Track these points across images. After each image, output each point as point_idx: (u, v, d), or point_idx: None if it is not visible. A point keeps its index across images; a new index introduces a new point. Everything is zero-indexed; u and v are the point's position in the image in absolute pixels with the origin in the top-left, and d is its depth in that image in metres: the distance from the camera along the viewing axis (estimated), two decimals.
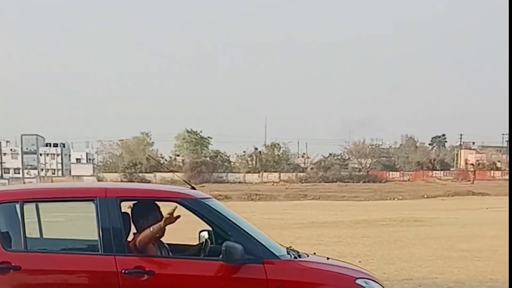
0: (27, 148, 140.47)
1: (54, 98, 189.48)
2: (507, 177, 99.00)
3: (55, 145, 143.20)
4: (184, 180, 8.46)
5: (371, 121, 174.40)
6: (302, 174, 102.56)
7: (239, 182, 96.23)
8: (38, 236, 7.00)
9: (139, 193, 7.10)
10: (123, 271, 6.11)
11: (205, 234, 7.34)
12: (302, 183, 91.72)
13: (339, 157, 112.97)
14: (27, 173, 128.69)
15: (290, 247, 7.08)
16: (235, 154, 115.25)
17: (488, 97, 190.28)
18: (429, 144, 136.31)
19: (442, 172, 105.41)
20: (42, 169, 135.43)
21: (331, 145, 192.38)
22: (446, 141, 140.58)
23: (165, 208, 6.54)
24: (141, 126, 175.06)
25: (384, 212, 32.24)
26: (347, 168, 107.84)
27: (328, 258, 7.28)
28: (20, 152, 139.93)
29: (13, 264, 6.06)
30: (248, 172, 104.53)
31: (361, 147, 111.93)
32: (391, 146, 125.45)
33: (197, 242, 7.49)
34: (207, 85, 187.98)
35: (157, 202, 6.79)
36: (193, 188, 7.19)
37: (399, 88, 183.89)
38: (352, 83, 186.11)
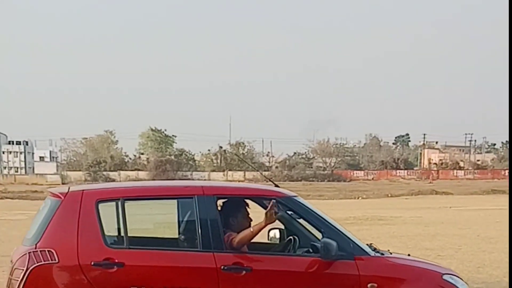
0: None
1: (16, 95, 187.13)
2: (469, 176, 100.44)
3: (18, 142, 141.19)
4: (267, 178, 8.74)
5: (335, 120, 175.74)
6: (267, 173, 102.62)
7: (198, 180, 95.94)
8: (133, 233, 7.00)
9: (236, 191, 7.38)
10: (222, 267, 6.22)
11: (275, 233, 7.50)
12: (267, 181, 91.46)
13: (304, 156, 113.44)
14: None
15: (371, 243, 7.08)
16: (200, 152, 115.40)
17: (451, 97, 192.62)
18: (393, 143, 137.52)
19: (405, 171, 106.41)
20: (5, 167, 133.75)
21: (296, 144, 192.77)
22: (409, 141, 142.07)
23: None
24: (105, 124, 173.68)
25: (349, 211, 32.08)
26: (311, 167, 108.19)
27: (408, 255, 7.44)
28: None
29: (116, 261, 6.18)
30: (213, 170, 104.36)
31: (325, 146, 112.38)
32: (355, 145, 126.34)
33: (267, 240, 7.60)
34: (172, 82, 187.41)
35: (246, 200, 6.97)
36: (277, 186, 7.25)
37: (362, 87, 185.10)
38: (316, 82, 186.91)
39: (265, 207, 6.70)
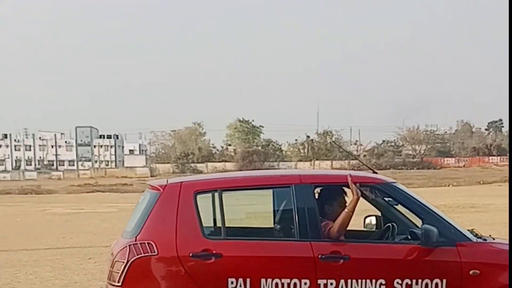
0: (81, 140, 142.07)
1: (107, 90, 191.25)
2: None
3: (109, 136, 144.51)
4: (365, 165, 8.72)
5: (425, 107, 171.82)
6: (354, 161, 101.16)
7: (293, 169, 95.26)
8: (230, 224, 7.00)
9: (333, 179, 7.21)
10: (319, 257, 6.15)
11: (371, 220, 7.40)
12: (355, 170, 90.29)
13: (393, 143, 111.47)
14: (81, 165, 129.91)
15: (473, 229, 6.84)
16: (287, 142, 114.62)
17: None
18: (486, 129, 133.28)
19: (498, 157, 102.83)
20: (96, 161, 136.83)
21: (385, 132, 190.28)
22: (503, 126, 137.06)
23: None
24: (193, 116, 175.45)
25: (439, 198, 31.53)
26: (400, 155, 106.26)
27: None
28: (74, 144, 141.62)
29: (214, 252, 6.20)
30: (300, 160, 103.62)
31: (415, 133, 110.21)
32: (446, 132, 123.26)
33: (363, 228, 7.54)
34: (259, 74, 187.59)
35: (343, 188, 6.81)
36: (375, 172, 7.14)
37: (454, 72, 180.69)
38: (405, 68, 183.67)
39: (362, 194, 6.56)
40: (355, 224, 6.99)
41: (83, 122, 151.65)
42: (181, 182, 6.73)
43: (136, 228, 6.44)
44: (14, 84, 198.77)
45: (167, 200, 6.48)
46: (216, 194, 6.55)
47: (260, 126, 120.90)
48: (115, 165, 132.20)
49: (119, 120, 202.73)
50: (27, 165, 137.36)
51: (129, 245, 6.28)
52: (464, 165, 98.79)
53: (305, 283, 6.15)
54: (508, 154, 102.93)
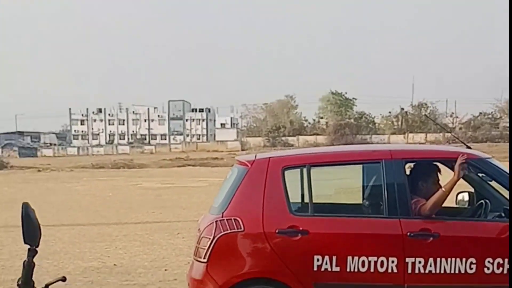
0: (173, 114, 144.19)
1: (202, 64, 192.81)
2: None
3: (201, 110, 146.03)
4: (459, 139, 8.06)
5: None
6: (448, 135, 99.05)
7: (384, 144, 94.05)
8: (316, 200, 6.87)
9: (424, 154, 7.11)
10: (408, 234, 6.07)
11: (464, 196, 7.29)
12: (450, 144, 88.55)
13: (490, 116, 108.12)
14: (173, 139, 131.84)
15: None
16: (380, 115, 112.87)
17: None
18: None
19: None
20: (187, 135, 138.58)
21: (482, 104, 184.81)
22: None
23: None
24: (285, 89, 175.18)
25: None
26: (498, 128, 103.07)
27: None
28: (167, 118, 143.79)
29: (300, 228, 6.16)
30: (393, 133, 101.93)
31: None
32: None
33: (454, 204, 7.42)
34: (347, 45, 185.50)
35: (438, 165, 6.73)
36: (468, 147, 7.07)
37: None
38: (503, 37, 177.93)
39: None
40: (447, 200, 6.79)
41: (176, 96, 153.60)
42: (269, 157, 6.66)
43: (223, 204, 6.45)
44: (107, 58, 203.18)
45: (254, 176, 6.46)
46: (305, 170, 6.47)
47: (353, 98, 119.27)
48: (206, 139, 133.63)
49: (211, 94, 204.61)
50: (120, 139, 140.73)
51: (216, 221, 6.28)
52: None
53: (393, 261, 6.06)
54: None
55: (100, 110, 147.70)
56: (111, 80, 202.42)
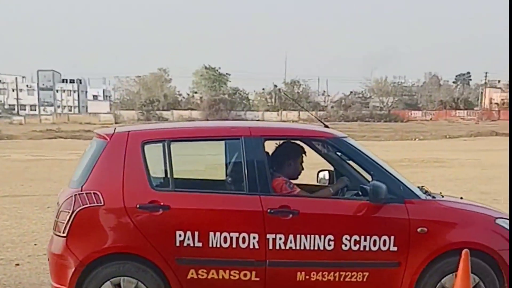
0: (43, 84, 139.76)
1: (70, 32, 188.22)
2: None
3: (72, 81, 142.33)
4: (318, 119, 8.49)
5: (393, 58, 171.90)
6: (322, 112, 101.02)
7: (258, 121, 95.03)
8: (180, 176, 6.93)
9: (284, 132, 7.24)
10: (268, 211, 6.15)
11: (324, 174, 7.51)
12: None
13: (361, 95, 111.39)
14: (44, 110, 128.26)
15: (423, 186, 6.94)
16: (254, 91, 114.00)
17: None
18: (453, 82, 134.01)
19: (465, 111, 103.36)
20: (58, 106, 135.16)
21: (353, 83, 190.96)
22: (470, 79, 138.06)
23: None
24: (159, 62, 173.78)
25: (404, 152, 32.28)
26: (368, 107, 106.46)
27: (461, 198, 7.24)
28: (36, 88, 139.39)
29: (162, 203, 6.15)
30: (267, 110, 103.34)
31: (383, 85, 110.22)
32: (414, 84, 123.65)
33: (316, 182, 7.61)
34: (226, 20, 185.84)
35: (302, 146, 6.91)
36: (326, 126, 7.15)
37: (422, 23, 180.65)
38: (375, 18, 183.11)
39: (314, 149, 6.84)
40: (309, 177, 7.18)
41: (45, 65, 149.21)
42: (129, 131, 6.58)
43: (82, 177, 6.34)
44: None
45: (114, 149, 6.38)
46: (165, 144, 6.42)
47: (227, 73, 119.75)
48: (78, 110, 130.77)
49: (82, 64, 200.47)
50: None
51: (75, 195, 6.18)
52: (431, 119, 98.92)
53: (254, 237, 6.14)
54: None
55: None
56: None
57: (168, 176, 6.46)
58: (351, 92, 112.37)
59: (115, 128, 6.69)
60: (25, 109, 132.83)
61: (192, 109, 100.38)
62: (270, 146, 6.84)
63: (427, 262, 6.26)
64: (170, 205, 6.15)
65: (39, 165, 25.48)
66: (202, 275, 6.20)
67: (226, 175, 6.97)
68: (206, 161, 9.74)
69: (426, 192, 6.68)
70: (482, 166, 23.95)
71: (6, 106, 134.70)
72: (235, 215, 6.23)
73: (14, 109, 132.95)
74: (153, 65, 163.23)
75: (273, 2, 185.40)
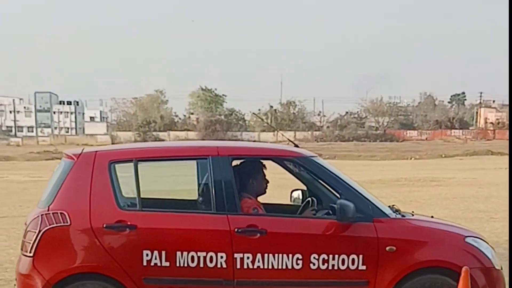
0: (40, 106, 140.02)
1: (68, 55, 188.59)
2: None
3: (69, 103, 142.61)
4: (288, 139, 8.62)
5: (388, 78, 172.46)
6: (317, 133, 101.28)
7: (254, 141, 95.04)
8: (147, 195, 6.97)
9: (251, 151, 7.17)
10: (236, 230, 6.16)
11: (298, 193, 7.52)
12: (318, 142, 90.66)
13: (356, 115, 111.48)
14: (41, 132, 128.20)
15: (394, 205, 6.97)
16: (250, 112, 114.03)
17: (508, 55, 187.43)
18: (448, 102, 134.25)
19: (461, 131, 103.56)
20: (55, 128, 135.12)
21: (348, 103, 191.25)
22: (465, 99, 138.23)
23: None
24: (155, 84, 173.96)
25: (400, 172, 32.18)
26: (363, 127, 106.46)
27: (432, 217, 7.26)
28: (33, 110, 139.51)
29: (128, 223, 6.15)
30: (263, 131, 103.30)
31: (378, 105, 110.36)
32: (409, 104, 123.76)
33: (288, 202, 7.70)
34: (222, 43, 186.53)
35: (262, 161, 6.99)
36: (296, 146, 7.20)
37: (417, 44, 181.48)
38: (370, 39, 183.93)
39: (285, 168, 6.93)
40: (281, 197, 7.27)
41: (43, 87, 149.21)
42: (96, 151, 6.59)
43: (50, 197, 6.35)
44: None
45: (81, 169, 6.38)
46: (132, 164, 6.42)
47: (223, 95, 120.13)
48: (76, 132, 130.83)
49: (80, 86, 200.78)
50: None
51: (41, 215, 6.20)
52: (426, 138, 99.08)
53: (222, 257, 6.16)
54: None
55: None
56: None
57: (135, 196, 6.43)
58: (347, 112, 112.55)
59: (83, 148, 6.72)
60: (22, 131, 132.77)
61: (188, 130, 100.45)
62: None
63: (396, 280, 6.25)
64: (137, 224, 6.15)
65: (37, 186, 25.29)
66: None
67: (198, 194, 6.98)
68: (184, 181, 9.84)
69: (396, 211, 6.70)
70: (479, 185, 23.90)
71: (3, 128, 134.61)
72: (203, 235, 6.22)
73: (11, 131, 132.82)
74: (150, 87, 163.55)
75: (268, 23, 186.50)
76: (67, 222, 6.12)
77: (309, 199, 7.02)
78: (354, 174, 31.61)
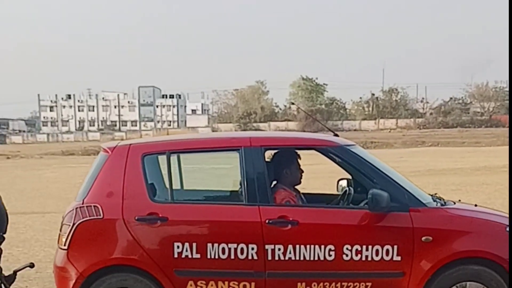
0: (144, 100, 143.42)
1: (170, 49, 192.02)
2: None
3: (171, 96, 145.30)
4: (327, 128, 8.16)
5: (494, 62, 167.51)
6: (420, 120, 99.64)
7: (355, 130, 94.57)
8: (180, 187, 7.17)
9: (284, 141, 7.11)
10: (267, 221, 6.10)
11: (344, 183, 7.37)
12: (420, 129, 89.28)
13: (460, 101, 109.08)
14: (144, 125, 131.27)
15: (436, 194, 6.87)
16: (351, 100, 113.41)
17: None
18: None
19: None
20: (158, 121, 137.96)
21: (452, 89, 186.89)
22: None
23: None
24: (256, 75, 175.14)
25: (507, 158, 30.18)
26: (468, 113, 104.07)
27: (475, 205, 6.98)
28: (137, 105, 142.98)
29: (160, 215, 6.18)
30: (364, 119, 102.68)
31: (484, 90, 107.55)
32: None
33: (336, 191, 7.52)
34: (323, 31, 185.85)
35: (297, 151, 6.86)
36: (336, 135, 7.07)
37: None
38: (477, 23, 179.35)
39: (329, 157, 6.58)
40: (324, 186, 6.76)
41: (146, 82, 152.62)
42: (130, 144, 6.63)
43: (84, 191, 6.44)
44: (77, 45, 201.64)
45: (114, 162, 6.46)
46: (165, 157, 6.47)
47: (324, 84, 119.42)
48: (177, 125, 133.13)
49: (182, 80, 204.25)
50: (90, 125, 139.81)
51: (76, 208, 6.29)
52: None
53: (252, 248, 6.12)
54: None
55: (69, 96, 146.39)
56: (80, 66, 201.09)
57: (167, 187, 6.51)
58: (451, 98, 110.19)
59: (118, 142, 6.78)
60: (126, 125, 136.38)
61: (288, 120, 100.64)
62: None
63: (433, 271, 6.11)
64: (168, 217, 6.18)
65: None
66: (201, 287, 6.20)
67: (230, 186, 7.06)
68: (219, 174, 9.71)
69: (437, 200, 6.59)
70: None
71: (108, 123, 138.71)
72: (234, 226, 6.20)
73: (115, 125, 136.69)
74: (251, 78, 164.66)
75: (366, 11, 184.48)
76: (100, 215, 6.21)
77: (346, 188, 6.94)
78: (458, 161, 31.11)
